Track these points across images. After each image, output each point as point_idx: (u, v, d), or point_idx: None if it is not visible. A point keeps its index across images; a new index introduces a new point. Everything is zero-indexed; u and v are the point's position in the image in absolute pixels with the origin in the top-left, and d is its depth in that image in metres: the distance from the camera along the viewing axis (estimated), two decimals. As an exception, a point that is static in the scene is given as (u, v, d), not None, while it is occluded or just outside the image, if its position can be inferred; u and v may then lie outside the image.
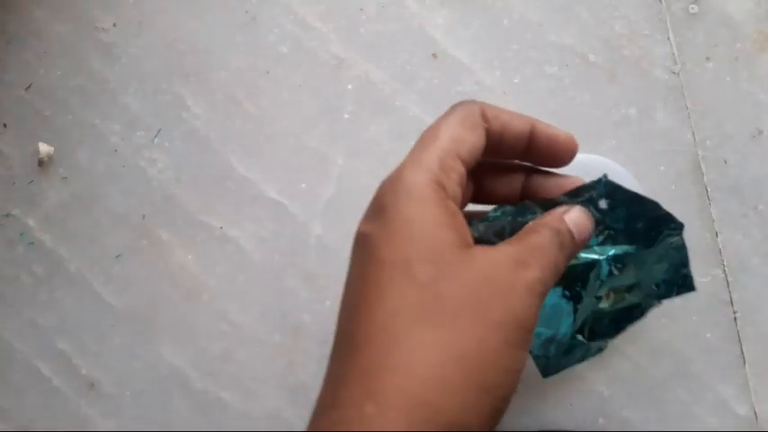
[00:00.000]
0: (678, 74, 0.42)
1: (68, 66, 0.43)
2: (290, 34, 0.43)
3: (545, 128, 0.32)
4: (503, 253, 0.28)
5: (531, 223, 0.31)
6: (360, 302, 0.28)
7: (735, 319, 0.40)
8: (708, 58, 0.42)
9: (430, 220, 0.28)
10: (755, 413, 0.40)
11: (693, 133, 0.41)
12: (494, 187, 0.34)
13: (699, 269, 0.40)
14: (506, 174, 0.34)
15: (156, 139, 0.43)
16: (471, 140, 0.30)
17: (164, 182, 0.43)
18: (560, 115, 0.42)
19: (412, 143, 0.42)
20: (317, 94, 0.43)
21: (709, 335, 0.40)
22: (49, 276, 0.42)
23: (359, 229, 0.29)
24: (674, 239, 0.34)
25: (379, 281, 0.27)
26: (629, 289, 0.35)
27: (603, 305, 0.35)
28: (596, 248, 0.34)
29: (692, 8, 0.42)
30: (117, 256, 0.42)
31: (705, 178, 0.41)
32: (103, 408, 0.42)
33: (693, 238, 0.41)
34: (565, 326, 0.35)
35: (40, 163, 0.43)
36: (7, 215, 0.43)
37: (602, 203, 0.33)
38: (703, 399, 0.40)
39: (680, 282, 0.35)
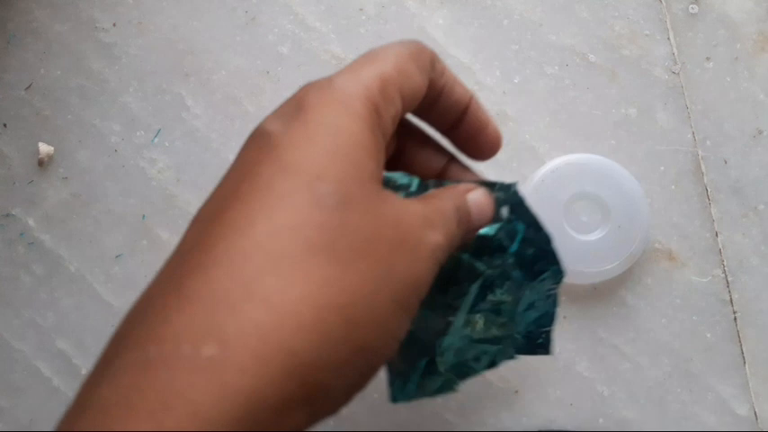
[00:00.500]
0: (678, 74, 0.42)
1: (68, 66, 0.43)
2: (290, 34, 0.43)
3: (479, 109, 0.30)
4: (413, 206, 0.25)
5: (433, 190, 0.28)
6: (237, 207, 0.22)
7: (735, 319, 0.40)
8: (708, 58, 0.42)
9: (357, 140, 0.23)
10: (755, 413, 0.40)
11: (693, 133, 0.41)
12: (414, 157, 0.31)
13: (699, 269, 0.41)
14: (432, 149, 0.31)
15: (155, 139, 0.43)
16: (417, 81, 0.26)
17: (164, 182, 0.43)
18: (560, 115, 0.42)
19: (412, 143, 0.41)
20: (317, 94, 0.43)
21: (709, 335, 0.40)
22: (49, 276, 0.42)
23: (261, 125, 0.25)
24: (552, 288, 0.32)
25: (275, 186, 0.22)
26: (501, 323, 0.32)
27: (467, 332, 0.31)
28: (484, 258, 0.31)
29: (692, 8, 0.42)
30: (117, 256, 0.42)
31: (705, 178, 0.41)
32: (103, 408, 0.42)
33: (693, 238, 0.41)
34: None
35: (40, 163, 0.43)
36: (7, 215, 0.43)
37: (505, 211, 0.31)
38: (703, 399, 0.40)
39: (539, 340, 0.32)
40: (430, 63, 0.28)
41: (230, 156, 0.42)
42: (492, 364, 0.33)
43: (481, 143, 0.30)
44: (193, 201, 0.42)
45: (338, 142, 0.23)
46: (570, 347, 0.41)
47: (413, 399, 0.31)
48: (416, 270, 0.23)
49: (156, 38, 0.43)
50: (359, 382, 0.22)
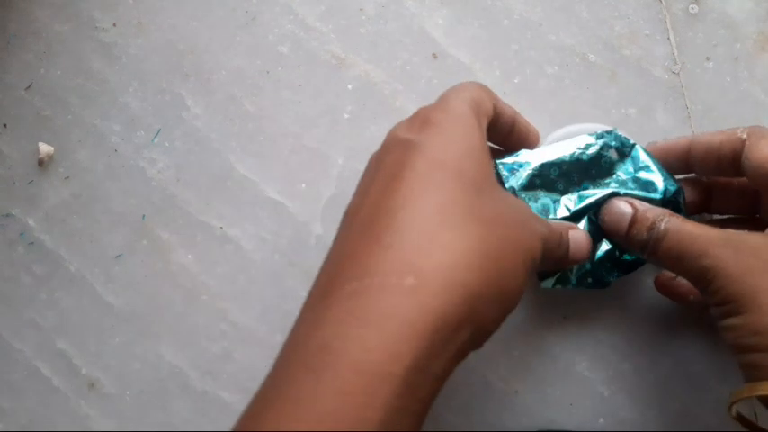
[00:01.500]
0: (678, 74, 0.42)
1: (68, 66, 0.43)
2: (290, 34, 0.43)
3: (523, 120, 0.38)
4: (521, 202, 0.34)
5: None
6: (405, 186, 0.29)
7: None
8: (708, 58, 0.42)
9: (479, 145, 0.31)
10: (755, 413, 0.40)
11: (693, 133, 0.41)
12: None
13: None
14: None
15: (155, 139, 0.43)
16: (488, 105, 0.34)
17: (164, 182, 0.43)
18: (560, 115, 0.42)
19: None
20: (317, 94, 0.43)
21: (708, 335, 0.40)
22: (49, 276, 0.42)
23: (396, 135, 0.32)
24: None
25: (431, 176, 0.29)
26: None
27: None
28: (612, 183, 0.37)
29: (692, 8, 0.42)
30: (117, 256, 0.42)
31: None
32: (103, 408, 0.42)
33: (693, 238, 0.41)
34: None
35: (40, 163, 0.43)
36: (7, 215, 0.43)
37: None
38: (703, 399, 0.40)
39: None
40: (491, 94, 0.35)
41: (230, 156, 0.43)
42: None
43: (527, 145, 0.38)
44: (193, 201, 0.42)
45: (468, 146, 0.31)
46: (570, 347, 0.41)
47: (566, 286, 0.38)
48: (534, 244, 0.31)
49: (156, 38, 0.43)
50: (499, 316, 0.29)
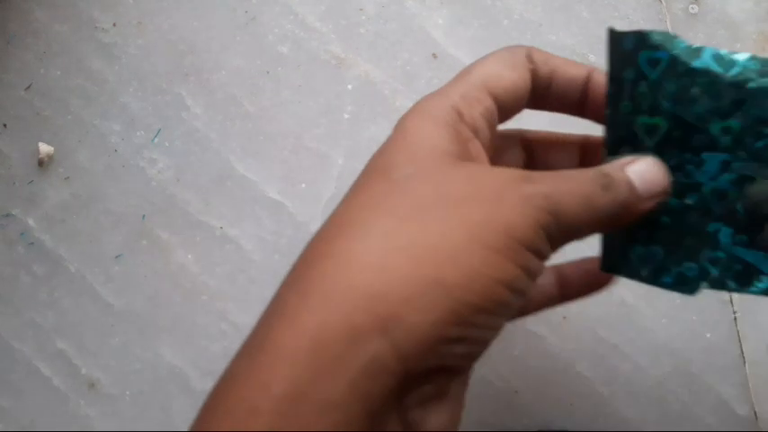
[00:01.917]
0: (678, 74, 0.42)
1: (68, 66, 0.43)
2: (290, 34, 0.43)
3: (603, 80, 0.29)
4: (510, 169, 0.26)
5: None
6: (344, 204, 0.26)
7: (735, 319, 0.40)
8: (708, 58, 0.42)
9: (429, 134, 0.26)
10: (755, 413, 0.40)
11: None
12: (547, 159, 0.32)
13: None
14: (561, 145, 0.32)
15: (155, 139, 0.43)
16: (509, 77, 0.28)
17: (164, 182, 0.43)
18: (560, 115, 0.42)
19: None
20: (316, 94, 0.43)
21: (709, 335, 0.40)
22: (49, 276, 0.42)
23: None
24: None
25: (359, 183, 0.26)
26: None
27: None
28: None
29: (692, 8, 0.42)
30: (117, 256, 0.42)
31: (705, 178, 0.41)
32: (103, 408, 0.42)
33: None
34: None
35: (40, 163, 0.43)
36: (7, 215, 0.43)
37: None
38: (703, 399, 0.40)
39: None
40: (525, 57, 0.29)
41: (230, 156, 0.42)
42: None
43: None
44: (193, 201, 0.42)
45: (409, 139, 0.26)
46: (570, 347, 0.41)
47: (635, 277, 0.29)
48: (501, 214, 0.24)
49: (156, 38, 0.43)
50: (441, 316, 0.23)
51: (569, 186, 0.25)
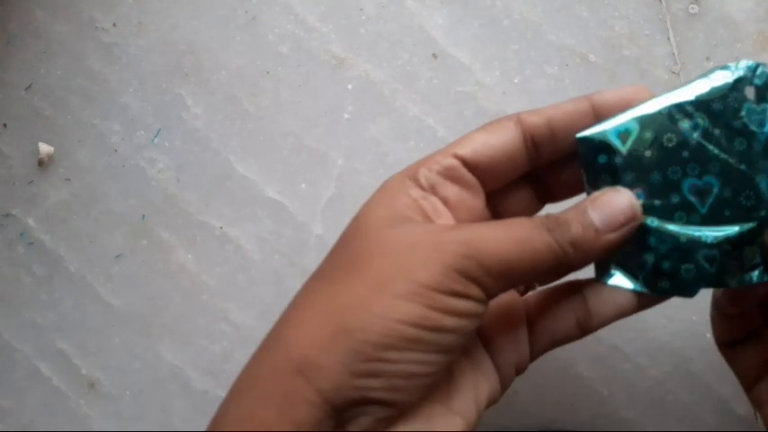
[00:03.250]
0: (678, 74, 0.42)
1: (68, 66, 0.43)
2: (290, 34, 0.43)
3: (611, 93, 0.31)
4: (443, 224, 0.29)
5: None
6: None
7: (735, 319, 0.40)
8: (708, 58, 0.42)
9: (374, 206, 0.29)
10: (755, 413, 0.40)
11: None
12: (554, 185, 0.33)
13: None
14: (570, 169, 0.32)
15: (155, 139, 0.43)
16: (485, 138, 0.30)
17: (164, 182, 0.43)
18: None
19: (412, 143, 0.42)
20: (317, 94, 0.43)
21: (708, 335, 0.40)
22: (49, 276, 0.42)
23: None
24: None
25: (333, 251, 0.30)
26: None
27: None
28: (720, 141, 0.29)
29: (692, 8, 0.42)
30: (117, 256, 0.42)
31: (705, 178, 0.41)
32: (103, 408, 0.42)
33: (693, 238, 0.41)
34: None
35: (40, 163, 0.43)
36: (7, 215, 0.43)
37: (750, 92, 0.29)
38: (703, 399, 0.40)
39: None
40: (510, 121, 0.30)
41: (230, 156, 0.43)
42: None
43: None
44: (193, 201, 0.42)
45: (363, 213, 0.30)
46: (570, 347, 0.40)
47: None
48: (405, 263, 0.27)
49: (156, 38, 0.43)
50: (346, 356, 0.26)
51: (499, 232, 0.27)
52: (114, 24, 0.43)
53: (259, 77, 0.43)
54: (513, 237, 0.27)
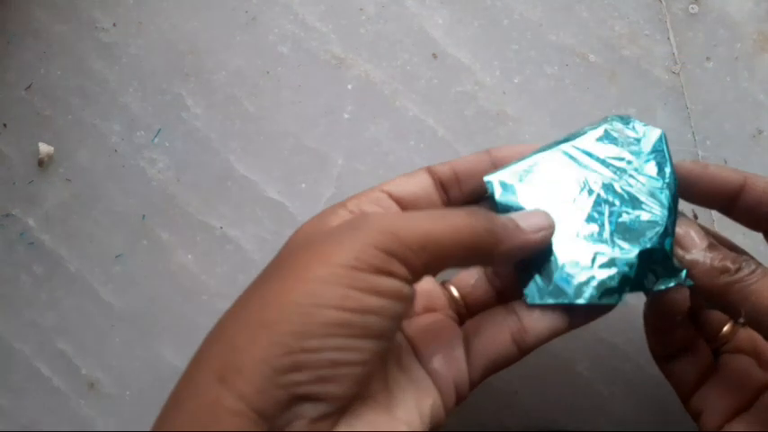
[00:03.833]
0: (678, 74, 0.42)
1: (68, 66, 0.43)
2: (290, 34, 0.43)
3: (507, 149, 0.34)
4: (359, 214, 0.31)
5: None
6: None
7: (735, 319, 0.40)
8: (708, 58, 0.42)
9: (305, 225, 0.32)
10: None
11: (693, 133, 0.41)
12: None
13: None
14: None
15: (155, 139, 0.43)
16: (405, 179, 0.33)
17: (164, 182, 0.43)
18: (560, 115, 0.42)
19: (412, 143, 0.42)
20: (317, 94, 0.43)
21: (709, 335, 0.40)
22: (49, 276, 0.42)
23: None
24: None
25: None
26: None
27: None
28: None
29: (692, 8, 0.42)
30: (117, 256, 0.42)
31: (705, 178, 0.41)
32: (103, 408, 0.42)
33: (693, 238, 0.41)
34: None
35: (40, 163, 0.43)
36: (7, 215, 0.43)
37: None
38: (703, 399, 0.40)
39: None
40: (424, 170, 0.34)
41: (230, 156, 0.43)
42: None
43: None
44: (193, 201, 0.42)
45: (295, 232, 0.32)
46: (570, 347, 0.41)
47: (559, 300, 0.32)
48: (324, 249, 0.27)
49: (156, 38, 0.43)
50: (267, 351, 0.25)
51: (418, 212, 0.30)
52: (114, 24, 0.43)
53: (259, 77, 0.43)
54: (432, 213, 0.29)
